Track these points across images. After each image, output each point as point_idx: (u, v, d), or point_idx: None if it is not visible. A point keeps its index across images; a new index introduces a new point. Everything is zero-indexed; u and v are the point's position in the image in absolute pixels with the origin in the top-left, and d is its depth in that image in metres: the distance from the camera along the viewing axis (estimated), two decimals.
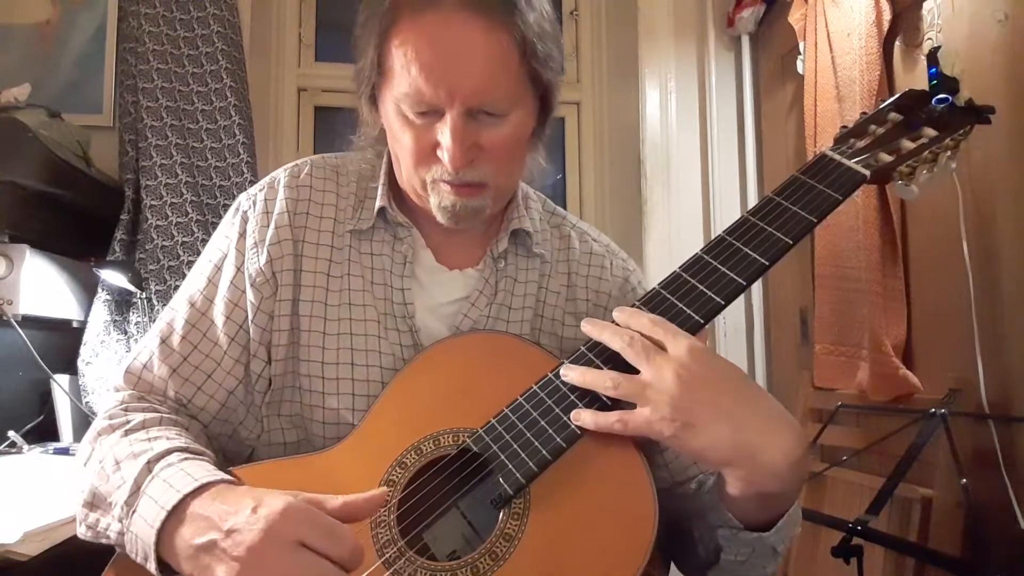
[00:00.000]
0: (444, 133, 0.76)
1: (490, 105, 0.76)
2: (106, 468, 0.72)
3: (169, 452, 0.71)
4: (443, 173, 0.79)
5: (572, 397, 0.73)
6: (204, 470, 0.68)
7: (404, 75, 0.76)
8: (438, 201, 0.81)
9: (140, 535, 0.65)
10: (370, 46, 0.79)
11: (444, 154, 0.77)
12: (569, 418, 0.72)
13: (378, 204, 0.87)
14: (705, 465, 0.72)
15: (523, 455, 0.71)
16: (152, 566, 0.64)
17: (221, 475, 0.67)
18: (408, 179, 0.84)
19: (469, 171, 0.79)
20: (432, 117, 0.77)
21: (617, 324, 0.74)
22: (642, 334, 0.71)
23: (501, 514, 0.70)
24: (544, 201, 0.99)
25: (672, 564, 0.86)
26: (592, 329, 0.75)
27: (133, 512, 0.67)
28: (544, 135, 0.89)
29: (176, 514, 0.64)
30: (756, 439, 0.67)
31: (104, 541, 0.72)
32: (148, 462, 0.69)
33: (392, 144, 0.84)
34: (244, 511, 0.60)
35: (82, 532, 0.74)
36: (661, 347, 0.70)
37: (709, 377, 0.68)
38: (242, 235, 0.86)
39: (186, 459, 0.70)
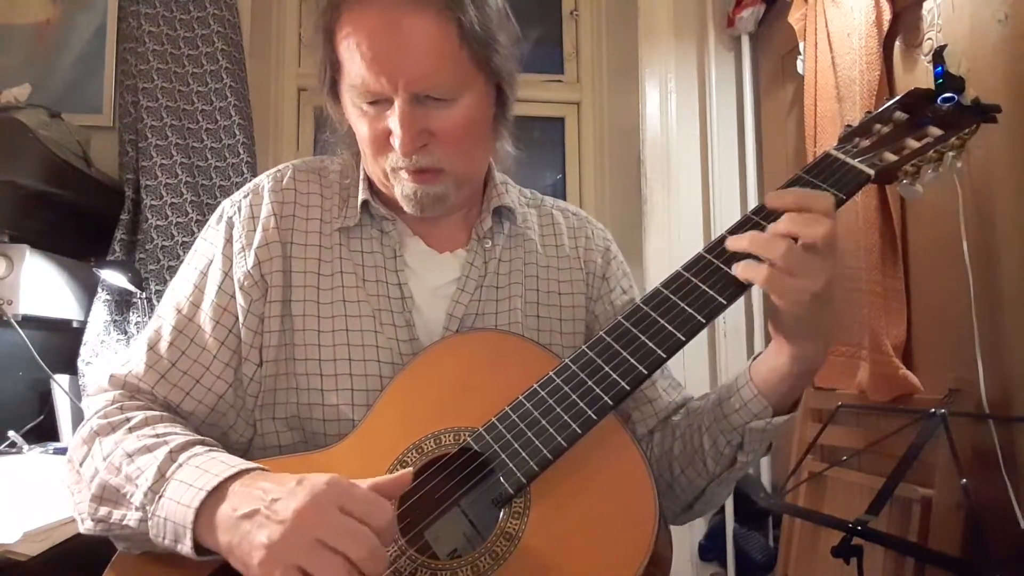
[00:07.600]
0: (393, 120, 0.78)
1: (434, 90, 0.78)
2: (115, 462, 0.73)
3: (192, 444, 0.73)
4: (398, 160, 0.81)
5: (574, 397, 0.72)
6: (237, 460, 0.70)
7: (351, 67, 0.79)
8: (400, 190, 0.84)
9: (172, 517, 0.67)
10: (320, 42, 0.82)
11: (395, 140, 0.79)
12: (569, 418, 0.71)
13: (361, 197, 0.89)
14: (801, 333, 0.74)
15: (524, 454, 0.71)
16: (187, 544, 0.66)
17: (255, 464, 0.70)
18: (372, 169, 0.86)
19: (423, 157, 0.81)
20: (383, 105, 0.80)
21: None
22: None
23: (502, 513, 0.70)
24: (520, 188, 1.02)
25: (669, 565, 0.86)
26: (774, 200, 0.75)
27: (160, 497, 0.68)
28: (508, 122, 0.91)
29: (215, 494, 0.66)
30: (834, 324, 0.77)
31: (115, 532, 0.73)
32: (171, 452, 0.71)
33: (356, 136, 0.86)
34: (288, 484, 0.64)
35: (88, 527, 0.74)
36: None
37: (837, 267, 0.73)
38: (228, 240, 0.87)
39: (212, 450, 0.73)
